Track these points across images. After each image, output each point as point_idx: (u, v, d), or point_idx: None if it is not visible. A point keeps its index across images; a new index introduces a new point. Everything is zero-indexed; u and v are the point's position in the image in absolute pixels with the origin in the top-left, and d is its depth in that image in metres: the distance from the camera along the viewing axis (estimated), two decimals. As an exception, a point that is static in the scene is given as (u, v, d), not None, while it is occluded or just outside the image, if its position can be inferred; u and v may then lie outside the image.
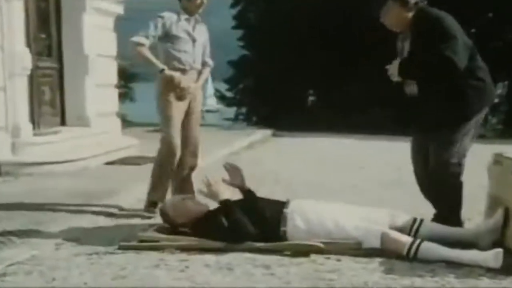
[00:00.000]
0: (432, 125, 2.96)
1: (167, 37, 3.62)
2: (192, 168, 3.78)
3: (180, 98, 3.65)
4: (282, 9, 11.93)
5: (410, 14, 3.01)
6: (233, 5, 14.41)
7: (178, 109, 3.66)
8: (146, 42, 3.58)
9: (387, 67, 3.08)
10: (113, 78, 7.33)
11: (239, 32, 14.24)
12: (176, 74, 3.61)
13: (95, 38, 6.53)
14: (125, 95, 13.76)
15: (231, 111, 13.74)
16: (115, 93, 7.40)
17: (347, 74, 11.32)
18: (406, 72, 2.97)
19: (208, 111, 11.18)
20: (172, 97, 3.63)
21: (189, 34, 3.69)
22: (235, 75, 14.18)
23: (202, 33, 3.80)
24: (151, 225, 3.21)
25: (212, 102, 12.96)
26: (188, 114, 3.72)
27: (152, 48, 3.65)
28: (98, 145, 6.04)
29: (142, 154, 6.14)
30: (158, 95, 3.68)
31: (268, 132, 9.14)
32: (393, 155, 6.27)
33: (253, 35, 13.20)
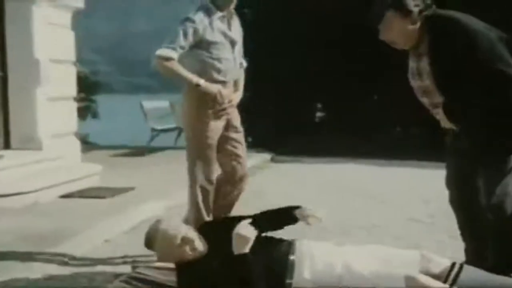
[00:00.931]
0: (482, 149, 2.95)
1: (201, 44, 3.59)
2: (239, 193, 3.79)
3: (218, 115, 3.63)
4: (284, 5, 12.00)
5: (416, 26, 3.00)
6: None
7: (216, 131, 3.64)
8: (175, 55, 3.55)
9: (437, 116, 3.03)
10: (72, 89, 7.30)
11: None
12: (217, 88, 3.58)
13: (49, 38, 6.47)
14: (86, 111, 13.82)
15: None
16: (73, 108, 7.38)
17: (363, 85, 11.41)
18: (457, 116, 2.96)
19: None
20: (208, 116, 3.61)
21: (226, 36, 3.68)
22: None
23: (238, 31, 3.81)
24: (116, 276, 3.20)
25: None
26: (228, 131, 3.72)
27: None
28: (52, 174, 6.02)
29: (107, 185, 6.15)
30: (188, 115, 3.65)
31: (266, 156, 9.16)
32: (420, 185, 6.29)
33: (248, 36, 13.29)
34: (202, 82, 3.57)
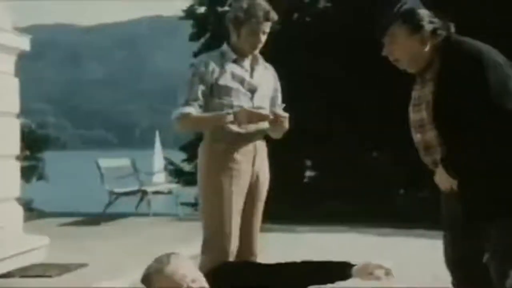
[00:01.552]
0: (487, 210, 2.90)
1: (212, 90, 3.72)
2: None
3: (240, 174, 3.68)
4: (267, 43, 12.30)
5: (426, 47, 2.99)
6: (193, 37, 14.90)
7: (238, 192, 3.70)
8: (191, 109, 3.69)
9: (436, 179, 3.01)
10: (14, 146, 7.21)
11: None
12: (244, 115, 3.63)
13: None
14: (31, 171, 13.69)
15: (191, 192, 13.69)
16: (16, 168, 7.27)
17: (361, 139, 11.48)
18: (459, 168, 2.93)
19: (156, 192, 11.10)
20: (231, 172, 3.68)
21: (243, 82, 3.77)
22: (196, 138, 14.26)
23: (266, 79, 3.90)
24: None
25: (162, 180, 12.94)
26: (250, 197, 3.78)
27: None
28: (-13, 248, 5.87)
29: (55, 261, 6.00)
30: (204, 170, 3.74)
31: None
32: (429, 258, 6.21)
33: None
34: (230, 116, 3.64)
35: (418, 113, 3.05)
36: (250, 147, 3.80)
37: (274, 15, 3.78)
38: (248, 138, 3.78)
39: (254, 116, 3.68)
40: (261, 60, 3.89)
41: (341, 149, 11.80)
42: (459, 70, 2.88)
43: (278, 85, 4.01)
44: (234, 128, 3.73)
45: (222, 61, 3.77)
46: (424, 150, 3.09)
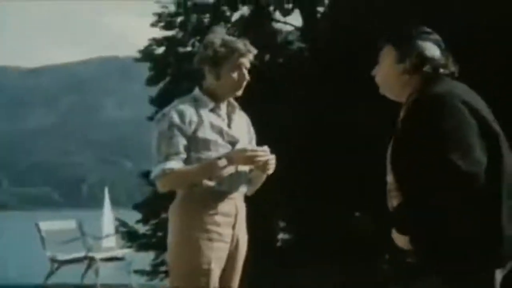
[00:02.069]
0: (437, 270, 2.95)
1: (190, 143, 3.71)
2: None
3: (220, 238, 3.67)
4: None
5: (407, 79, 3.09)
6: (151, 81, 14.95)
7: (217, 260, 3.68)
8: (173, 165, 3.66)
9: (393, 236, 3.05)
10: None
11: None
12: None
13: None
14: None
15: (146, 259, 13.54)
16: None
17: (342, 198, 11.51)
18: (404, 225, 2.99)
19: (105, 259, 10.94)
20: (210, 236, 3.66)
21: (221, 133, 3.76)
22: (153, 196, 14.18)
23: (243, 127, 3.91)
24: None
25: (112, 244, 12.78)
26: (229, 265, 3.78)
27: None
28: None
29: None
30: (177, 235, 3.71)
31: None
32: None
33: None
34: (223, 161, 3.66)
35: (389, 148, 3.13)
36: (231, 206, 3.77)
37: (253, 48, 3.80)
38: (229, 196, 3.76)
39: (252, 156, 3.67)
40: (237, 107, 3.88)
41: (320, 208, 11.80)
42: (414, 113, 2.97)
43: (253, 134, 4.03)
44: (213, 184, 3.70)
45: (197, 109, 3.74)
46: (388, 194, 3.15)
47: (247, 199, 4.06)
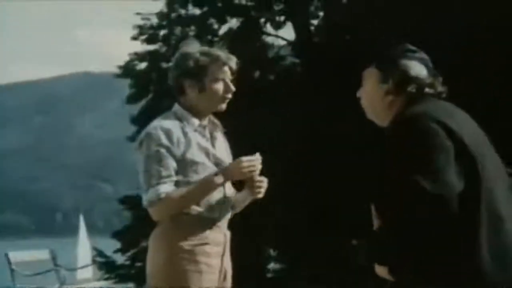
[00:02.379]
0: None
1: (178, 166, 3.71)
2: None
3: (210, 270, 3.67)
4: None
5: (397, 100, 3.15)
6: (132, 99, 14.94)
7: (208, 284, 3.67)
8: (166, 188, 3.65)
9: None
10: None
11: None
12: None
13: None
14: None
15: (125, 292, 13.49)
16: None
17: (338, 224, 11.52)
18: (380, 254, 3.04)
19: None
20: (199, 268, 3.65)
21: (208, 154, 3.75)
22: (133, 223, 14.17)
23: (225, 147, 3.93)
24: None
25: (88, 276, 12.74)
26: None
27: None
28: None
29: None
30: (161, 267, 3.69)
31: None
32: None
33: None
34: (219, 177, 3.68)
35: None
36: (220, 235, 3.77)
37: (232, 55, 3.84)
38: (217, 223, 3.75)
39: (248, 166, 3.67)
40: (219, 125, 3.90)
41: (314, 236, 11.80)
42: (388, 135, 3.06)
43: (229, 151, 4.03)
44: (202, 210, 3.68)
45: (183, 128, 3.73)
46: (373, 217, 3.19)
47: (235, 225, 4.06)
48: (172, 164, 3.63)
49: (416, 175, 2.84)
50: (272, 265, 13.14)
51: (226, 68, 3.75)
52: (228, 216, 3.83)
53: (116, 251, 14.32)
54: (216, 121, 3.87)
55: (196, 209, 3.65)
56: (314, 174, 11.62)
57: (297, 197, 11.72)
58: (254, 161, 3.68)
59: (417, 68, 3.15)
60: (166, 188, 3.62)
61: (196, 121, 3.73)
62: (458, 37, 11.39)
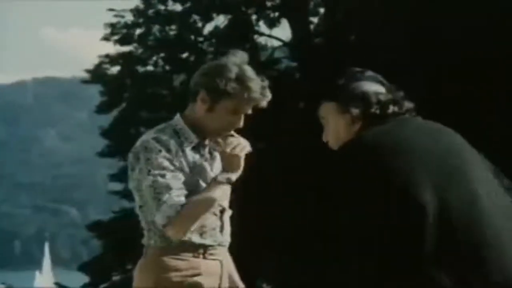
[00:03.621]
0: None
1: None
2: None
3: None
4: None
5: (357, 128, 3.23)
6: (103, 109, 14.97)
7: None
8: (176, 201, 3.67)
9: None
10: None
11: (113, 164, 14.60)
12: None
13: None
14: None
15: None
16: None
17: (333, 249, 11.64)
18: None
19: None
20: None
21: (205, 176, 3.78)
22: (104, 255, 14.19)
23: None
24: None
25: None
26: None
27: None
28: None
29: None
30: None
31: None
32: None
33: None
34: (223, 176, 3.73)
35: None
36: (215, 264, 3.78)
37: (269, 93, 3.80)
38: (213, 251, 3.76)
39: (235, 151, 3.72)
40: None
41: (304, 264, 11.89)
42: (336, 159, 3.20)
43: None
44: (193, 236, 3.70)
45: (181, 144, 3.74)
46: None
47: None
48: (179, 174, 3.67)
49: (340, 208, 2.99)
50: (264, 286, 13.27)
51: (247, 107, 3.75)
52: (226, 242, 3.83)
53: (83, 286, 14.34)
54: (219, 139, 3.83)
55: (189, 237, 3.65)
56: (310, 193, 11.71)
57: (292, 225, 11.80)
58: (233, 143, 3.68)
59: (373, 87, 3.26)
60: (181, 198, 3.62)
61: (195, 139, 3.76)
62: (458, 36, 11.60)
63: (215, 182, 3.68)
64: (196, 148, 3.75)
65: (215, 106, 3.69)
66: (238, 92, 3.69)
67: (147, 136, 3.72)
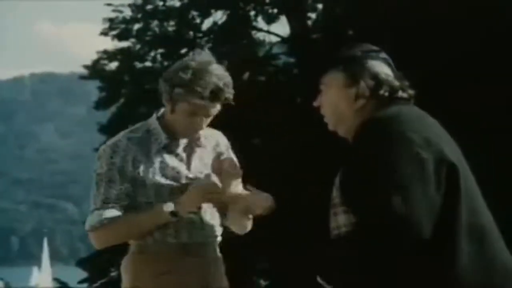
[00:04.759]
0: None
1: (135, 185, 3.71)
2: None
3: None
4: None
5: (367, 104, 3.20)
6: (101, 105, 14.95)
7: None
8: (107, 214, 3.69)
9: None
10: None
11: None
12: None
13: None
14: None
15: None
16: None
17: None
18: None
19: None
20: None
21: (177, 177, 3.75)
22: (101, 251, 14.18)
23: (207, 164, 3.86)
24: None
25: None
26: None
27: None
28: None
29: None
30: (126, 285, 3.80)
31: None
32: None
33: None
34: (170, 206, 3.65)
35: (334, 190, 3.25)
36: (195, 262, 3.77)
37: (229, 94, 3.70)
38: (192, 249, 3.75)
39: (204, 196, 3.67)
40: (202, 138, 3.83)
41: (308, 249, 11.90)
42: (355, 141, 3.13)
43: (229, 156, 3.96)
44: (167, 234, 3.70)
45: (148, 145, 3.73)
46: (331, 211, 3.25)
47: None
48: (123, 186, 3.67)
49: (382, 190, 2.90)
50: (262, 283, 13.25)
51: (207, 108, 3.68)
52: (209, 239, 3.85)
53: (81, 282, 14.33)
54: (199, 134, 3.80)
55: (162, 232, 3.71)
56: (311, 186, 11.72)
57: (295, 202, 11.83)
58: (211, 188, 3.66)
59: (385, 69, 3.23)
60: (112, 213, 3.65)
61: (165, 139, 3.72)
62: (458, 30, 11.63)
63: (157, 208, 3.68)
64: (167, 148, 3.73)
65: (175, 108, 3.68)
66: (187, 92, 3.65)
67: (116, 137, 3.75)
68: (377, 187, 2.92)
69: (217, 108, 3.70)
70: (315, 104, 3.31)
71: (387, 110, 3.13)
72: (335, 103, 3.24)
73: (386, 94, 3.19)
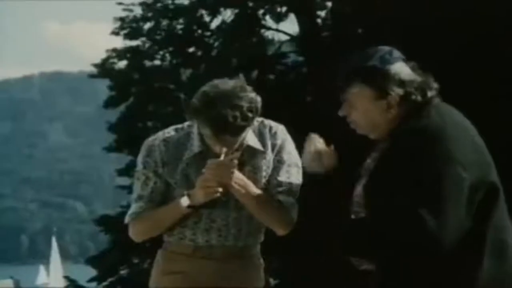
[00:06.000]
0: None
1: (168, 185, 3.77)
2: None
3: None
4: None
5: (393, 113, 3.17)
6: (110, 103, 14.95)
7: None
8: (138, 209, 3.80)
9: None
10: None
11: (120, 158, 14.58)
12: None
13: None
14: None
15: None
16: None
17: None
18: (349, 247, 3.16)
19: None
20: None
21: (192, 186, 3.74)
22: (111, 249, 14.19)
23: (255, 168, 3.85)
24: None
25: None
26: None
27: None
28: None
29: None
30: (152, 279, 3.86)
31: None
32: None
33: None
34: (185, 199, 3.67)
35: (358, 187, 3.23)
36: (207, 264, 3.78)
37: (242, 124, 3.63)
38: (204, 250, 3.77)
39: (204, 182, 3.66)
40: (241, 154, 3.74)
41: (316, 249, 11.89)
42: (395, 147, 3.08)
43: (278, 151, 4.07)
44: (185, 234, 3.73)
45: (182, 150, 3.74)
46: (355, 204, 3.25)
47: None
48: (156, 185, 3.74)
49: (419, 206, 2.88)
50: (271, 281, 13.24)
51: (219, 137, 3.58)
52: (225, 242, 3.79)
53: (91, 280, 14.34)
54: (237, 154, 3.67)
55: (181, 232, 3.75)
56: (316, 188, 11.74)
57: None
58: (205, 177, 3.61)
59: (405, 70, 3.16)
60: (141, 207, 3.74)
61: (197, 147, 3.69)
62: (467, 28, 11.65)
63: (175, 202, 3.72)
64: (199, 156, 3.73)
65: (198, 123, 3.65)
66: (199, 123, 3.64)
67: (156, 135, 3.77)
68: (415, 204, 2.90)
69: (227, 139, 3.60)
70: (340, 113, 3.27)
71: (429, 119, 3.08)
72: (366, 114, 3.20)
73: (419, 98, 3.14)
